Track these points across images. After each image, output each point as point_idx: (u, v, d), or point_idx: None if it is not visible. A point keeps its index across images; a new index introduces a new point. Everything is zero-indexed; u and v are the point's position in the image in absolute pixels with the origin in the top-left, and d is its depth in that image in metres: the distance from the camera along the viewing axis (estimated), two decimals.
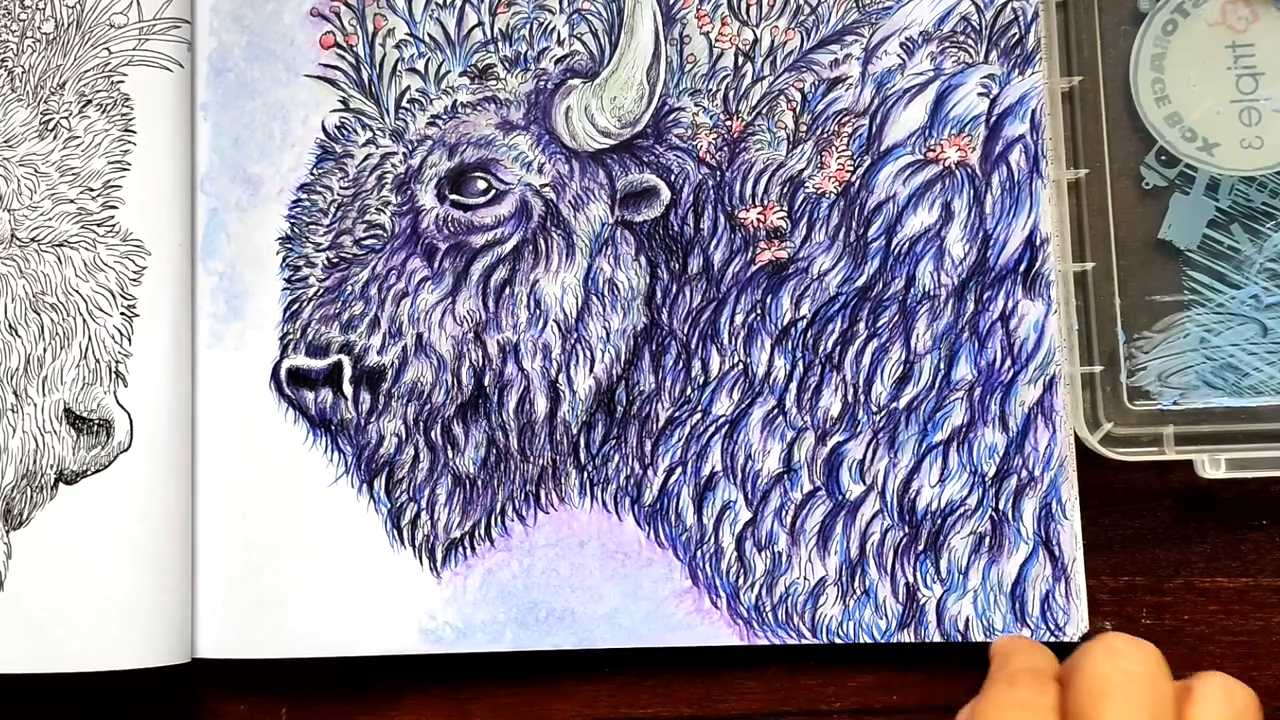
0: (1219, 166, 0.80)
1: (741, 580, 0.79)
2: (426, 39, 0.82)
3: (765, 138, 0.81)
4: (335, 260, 0.82)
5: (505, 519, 0.81)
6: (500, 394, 0.81)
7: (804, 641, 0.79)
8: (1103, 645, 0.63)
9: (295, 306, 0.81)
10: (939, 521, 0.79)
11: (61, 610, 0.78)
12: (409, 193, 0.82)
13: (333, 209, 0.82)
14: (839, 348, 0.80)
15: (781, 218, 0.80)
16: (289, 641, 0.80)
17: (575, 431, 0.81)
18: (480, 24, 0.82)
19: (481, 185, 0.81)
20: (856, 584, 0.79)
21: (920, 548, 0.79)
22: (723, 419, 0.80)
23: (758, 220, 0.80)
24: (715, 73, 0.81)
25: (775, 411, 0.80)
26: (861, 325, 0.80)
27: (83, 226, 0.80)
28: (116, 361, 0.79)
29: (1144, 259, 0.80)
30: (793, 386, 0.80)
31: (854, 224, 0.80)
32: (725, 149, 0.81)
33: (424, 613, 0.80)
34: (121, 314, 0.80)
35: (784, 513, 0.80)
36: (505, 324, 0.81)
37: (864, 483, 0.79)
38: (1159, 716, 0.60)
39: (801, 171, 0.80)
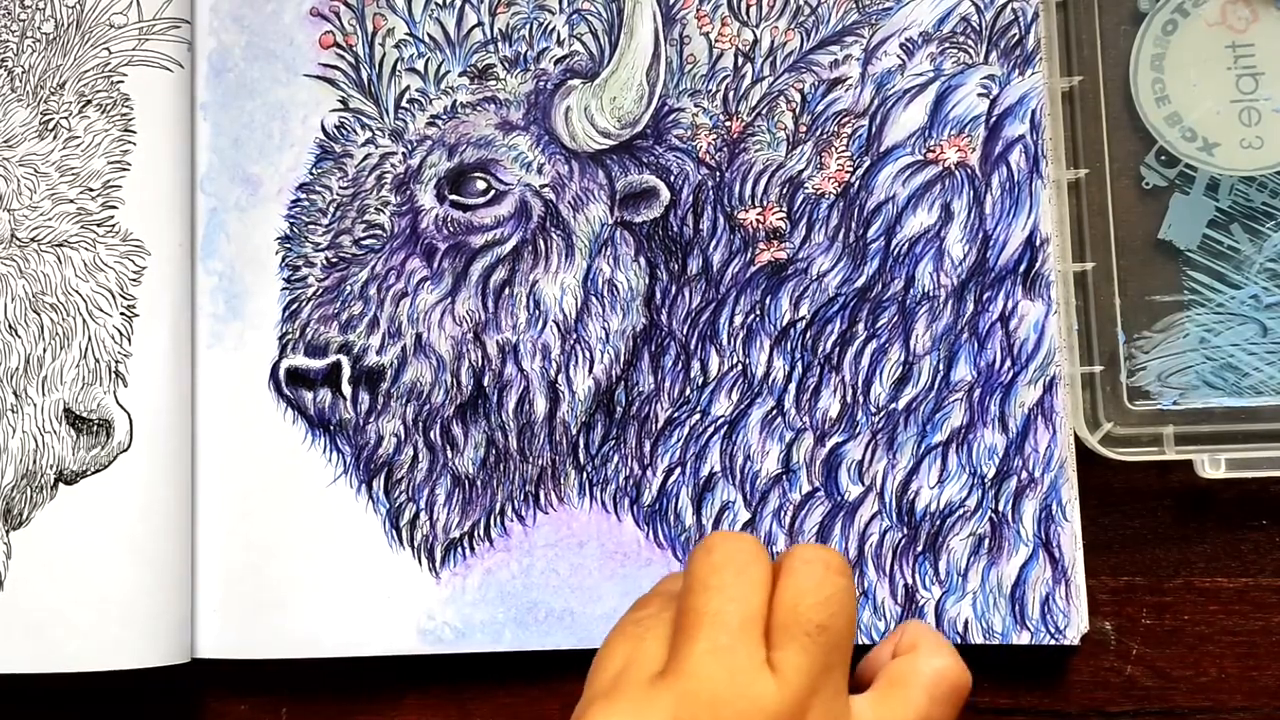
0: (1219, 166, 0.80)
1: None
2: (426, 39, 0.82)
3: (765, 138, 0.81)
4: (334, 260, 0.82)
5: (504, 519, 0.81)
6: (499, 394, 0.81)
7: None
8: (701, 545, 0.64)
9: (294, 306, 0.82)
10: (938, 523, 0.79)
11: (61, 610, 0.78)
12: (408, 193, 0.81)
13: (332, 209, 0.82)
14: (838, 348, 0.80)
15: (781, 218, 0.80)
16: (288, 641, 0.80)
17: (574, 432, 0.81)
18: (480, 24, 0.82)
19: (481, 185, 0.81)
20: (855, 585, 0.79)
21: (919, 549, 0.79)
22: (722, 420, 0.80)
23: (757, 221, 0.80)
24: (715, 73, 0.81)
25: (774, 412, 0.80)
26: (861, 326, 0.80)
27: (83, 226, 0.80)
28: (116, 361, 0.79)
29: (1144, 259, 0.80)
30: (792, 387, 0.80)
31: (853, 225, 0.80)
32: (725, 150, 0.81)
33: (423, 613, 0.80)
34: (121, 314, 0.80)
35: (783, 513, 0.80)
36: (505, 324, 0.81)
37: (863, 484, 0.79)
38: (749, 595, 0.60)
39: (801, 172, 0.80)
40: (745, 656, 0.59)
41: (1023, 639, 0.78)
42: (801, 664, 0.59)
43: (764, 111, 0.81)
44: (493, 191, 0.81)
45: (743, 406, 0.80)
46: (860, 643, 0.78)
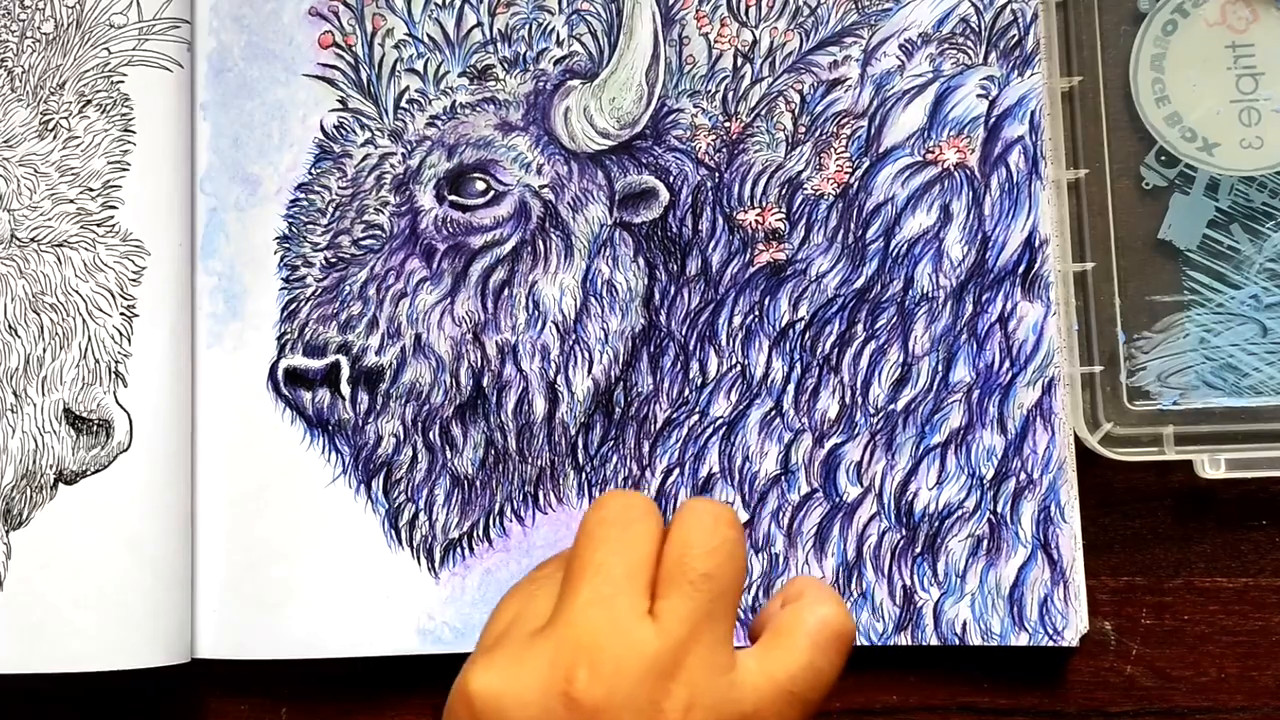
0: (1219, 166, 0.80)
1: None
2: (425, 39, 0.82)
3: (764, 139, 0.81)
4: (333, 260, 0.82)
5: (504, 519, 0.81)
6: (499, 395, 0.81)
7: None
8: (593, 503, 0.64)
9: (293, 306, 0.82)
10: (937, 524, 0.79)
11: (61, 610, 0.78)
12: (408, 193, 0.81)
13: (331, 209, 0.82)
14: (837, 349, 0.80)
15: (780, 219, 0.80)
16: (288, 641, 0.80)
17: (573, 432, 0.81)
18: (479, 24, 0.82)
19: (480, 186, 0.81)
20: (854, 586, 0.79)
21: (918, 550, 0.79)
22: (720, 420, 0.80)
23: (756, 222, 0.80)
24: (714, 74, 0.81)
25: (773, 413, 0.80)
26: (860, 327, 0.80)
27: (82, 226, 0.80)
28: (116, 361, 0.79)
29: (1144, 259, 0.80)
30: (790, 388, 0.80)
31: (852, 225, 0.80)
32: (724, 150, 0.81)
33: (422, 613, 0.80)
34: (121, 314, 0.80)
35: (781, 514, 0.79)
36: (504, 325, 0.81)
37: (861, 485, 0.79)
38: (634, 547, 0.61)
39: (800, 173, 0.80)
40: (627, 606, 0.60)
41: (1021, 640, 0.78)
42: (683, 611, 0.60)
43: (763, 112, 0.81)
44: (492, 192, 0.81)
45: (741, 407, 0.80)
46: (860, 643, 0.79)
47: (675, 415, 0.80)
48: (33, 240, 0.80)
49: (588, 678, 0.58)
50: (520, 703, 0.58)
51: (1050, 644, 0.77)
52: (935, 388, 0.79)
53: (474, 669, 0.60)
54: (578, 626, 0.59)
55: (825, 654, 0.61)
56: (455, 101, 0.82)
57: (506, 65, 0.82)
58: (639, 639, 0.59)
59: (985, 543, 0.78)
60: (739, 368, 0.80)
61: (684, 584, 0.60)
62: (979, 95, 0.80)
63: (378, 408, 0.81)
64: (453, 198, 0.81)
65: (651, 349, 0.81)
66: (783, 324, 0.80)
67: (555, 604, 0.61)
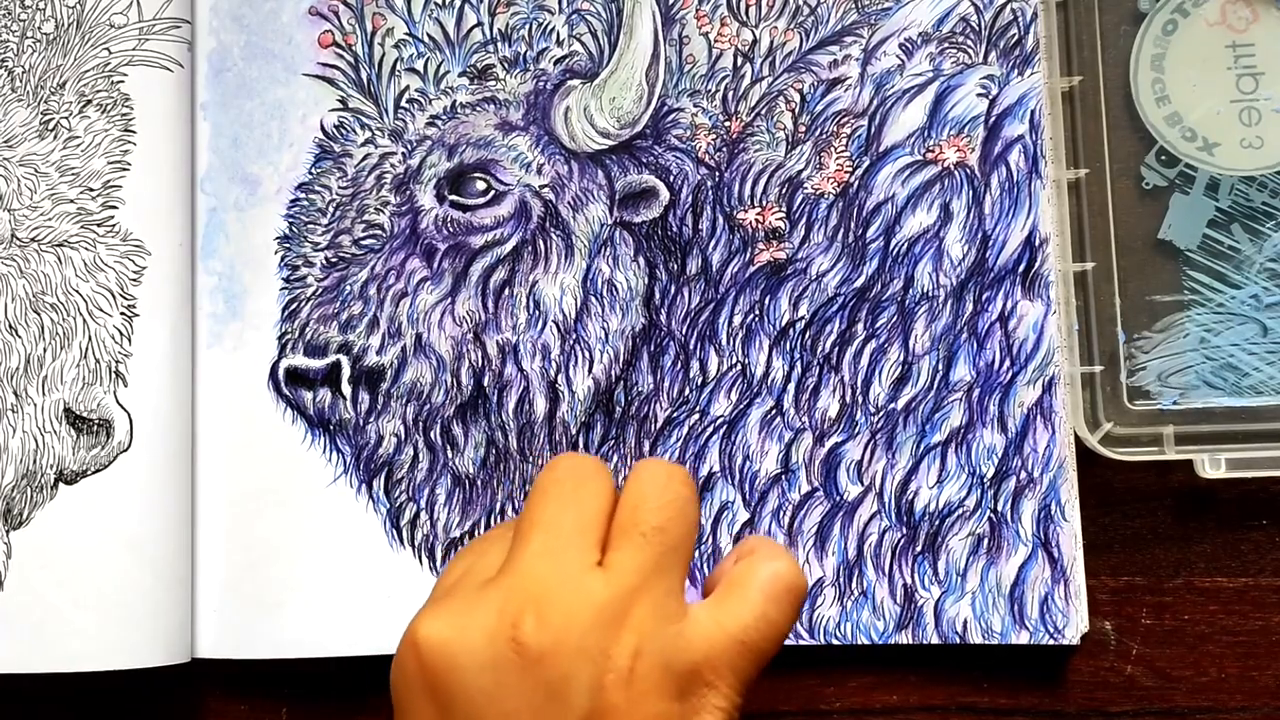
0: (1219, 166, 0.80)
1: None
2: (425, 39, 0.82)
3: (764, 138, 0.81)
4: (334, 260, 0.82)
5: (504, 519, 0.81)
6: (499, 394, 0.81)
7: (801, 643, 0.79)
8: (547, 464, 0.65)
9: (293, 306, 0.82)
10: (937, 523, 0.79)
11: (61, 610, 0.78)
12: (408, 193, 0.82)
13: (331, 208, 0.82)
14: (837, 348, 0.80)
15: (780, 218, 0.80)
16: (288, 641, 0.80)
17: (574, 432, 0.81)
18: (479, 24, 0.82)
19: (481, 186, 0.81)
20: (854, 585, 0.79)
21: (918, 549, 0.79)
22: (721, 419, 0.80)
23: (756, 221, 0.80)
24: (714, 73, 0.81)
25: (773, 412, 0.80)
26: (860, 326, 0.80)
27: (83, 226, 0.80)
28: (116, 361, 0.79)
29: (1144, 259, 0.80)
30: (791, 387, 0.80)
31: (853, 225, 0.80)
32: (724, 150, 0.81)
33: None
34: (121, 314, 0.80)
35: (782, 513, 0.80)
36: (504, 325, 0.81)
37: (862, 484, 0.79)
38: (586, 503, 0.62)
39: (800, 172, 0.80)
40: (575, 557, 0.61)
41: (1021, 639, 0.78)
42: (633, 561, 0.61)
43: (763, 112, 0.81)
44: (492, 192, 0.81)
45: (742, 406, 0.80)
46: (860, 642, 0.79)
47: (676, 414, 0.80)
48: (33, 240, 0.80)
49: (535, 624, 0.59)
50: (468, 649, 0.59)
51: (1051, 642, 0.77)
52: (935, 387, 0.79)
53: (422, 618, 0.60)
54: (526, 576, 0.60)
55: (778, 605, 0.62)
56: (455, 101, 0.82)
57: (506, 65, 0.82)
58: (587, 588, 0.59)
59: (986, 541, 0.78)
60: (739, 367, 0.80)
61: (635, 535, 0.61)
62: (979, 94, 0.80)
63: (379, 407, 0.81)
64: (453, 197, 0.81)
65: (652, 348, 0.81)
66: (783, 323, 0.80)
67: (506, 558, 0.61)
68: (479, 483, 0.81)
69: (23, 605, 0.78)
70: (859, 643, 0.79)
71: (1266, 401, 0.79)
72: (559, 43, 0.82)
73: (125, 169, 0.80)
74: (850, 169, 0.80)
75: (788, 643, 0.78)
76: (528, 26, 0.82)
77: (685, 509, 0.63)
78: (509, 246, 0.81)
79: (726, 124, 0.81)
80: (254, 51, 0.83)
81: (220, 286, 0.82)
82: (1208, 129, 0.81)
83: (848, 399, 0.80)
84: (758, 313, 0.80)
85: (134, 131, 0.81)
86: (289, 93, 0.83)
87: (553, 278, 0.81)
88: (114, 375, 0.79)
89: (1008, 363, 0.79)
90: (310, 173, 0.82)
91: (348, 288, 0.81)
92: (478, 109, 0.82)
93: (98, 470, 0.79)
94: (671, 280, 0.81)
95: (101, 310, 0.79)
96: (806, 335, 0.80)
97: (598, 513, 0.62)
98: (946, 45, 0.80)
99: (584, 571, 0.60)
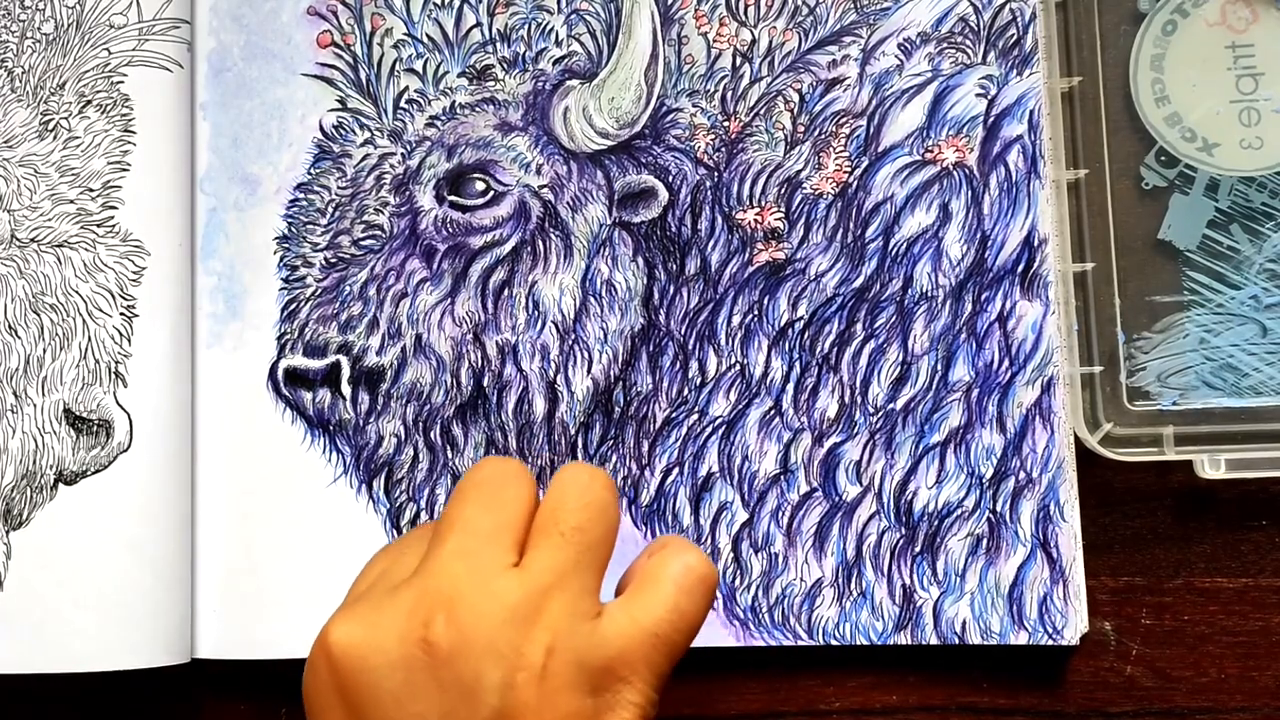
0: (1219, 167, 0.80)
1: (738, 581, 0.79)
2: (425, 39, 0.82)
3: (763, 138, 0.81)
4: (333, 260, 0.82)
5: None
6: (499, 395, 0.81)
7: (800, 643, 0.79)
8: (469, 469, 0.65)
9: (293, 306, 0.82)
10: (936, 523, 0.79)
11: (61, 610, 0.78)
12: (407, 193, 0.82)
13: (330, 209, 0.82)
14: (836, 349, 0.80)
15: (779, 218, 0.80)
16: (289, 642, 0.80)
17: (573, 432, 0.81)
18: (478, 24, 0.82)
19: (480, 186, 0.81)
20: (853, 585, 0.79)
21: (917, 549, 0.79)
22: (720, 420, 0.80)
23: (755, 221, 0.80)
24: (713, 73, 0.81)
25: (772, 412, 0.80)
26: (859, 326, 0.80)
27: (82, 227, 0.80)
28: (116, 362, 0.79)
29: (1144, 259, 0.80)
30: (790, 387, 0.80)
31: (851, 225, 0.80)
32: (723, 150, 0.81)
33: None
34: (121, 314, 0.80)
35: (780, 514, 0.80)
36: (504, 325, 0.81)
37: (861, 484, 0.79)
38: (504, 506, 0.62)
39: (799, 172, 0.80)
40: (490, 558, 0.61)
41: (1020, 639, 0.78)
42: (549, 560, 0.61)
43: (762, 112, 0.81)
44: (492, 192, 0.81)
45: (741, 406, 0.80)
46: (859, 642, 0.79)
47: (674, 414, 0.80)
48: (33, 240, 0.80)
49: (445, 623, 0.59)
50: (378, 649, 0.59)
51: (1050, 643, 0.77)
52: (934, 387, 0.79)
53: (334, 621, 0.61)
54: (439, 577, 0.60)
55: (690, 597, 0.62)
56: (455, 101, 0.82)
57: (506, 65, 0.82)
58: (500, 587, 0.59)
59: (985, 542, 0.78)
60: (738, 367, 0.80)
61: (554, 535, 0.61)
62: (978, 94, 0.80)
63: (378, 408, 0.81)
64: (452, 198, 0.81)
65: (651, 348, 0.81)
66: (782, 323, 0.80)
67: (421, 560, 0.62)
68: None
69: (23, 605, 0.78)
70: (858, 643, 0.79)
71: (1266, 402, 0.79)
72: (558, 43, 0.82)
73: (125, 169, 0.81)
74: (849, 169, 0.80)
75: (786, 643, 0.79)
76: (527, 27, 0.82)
77: (606, 510, 0.63)
78: (508, 247, 0.81)
79: (725, 124, 0.81)
80: (253, 51, 0.83)
81: (220, 286, 0.82)
82: (1207, 129, 0.81)
83: (847, 399, 0.80)
84: (757, 313, 0.80)
85: (134, 132, 0.81)
86: (288, 93, 0.83)
87: (552, 278, 0.81)
88: (114, 376, 0.79)
89: (1007, 363, 0.79)
90: (309, 173, 0.82)
91: (347, 288, 0.81)
92: (477, 109, 0.82)
93: (98, 470, 0.79)
94: (670, 280, 0.81)
95: (101, 310, 0.79)
96: (805, 335, 0.80)
97: (517, 515, 0.63)
98: (945, 45, 0.80)
99: (498, 571, 0.60)
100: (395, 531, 0.81)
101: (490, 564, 0.61)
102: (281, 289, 0.82)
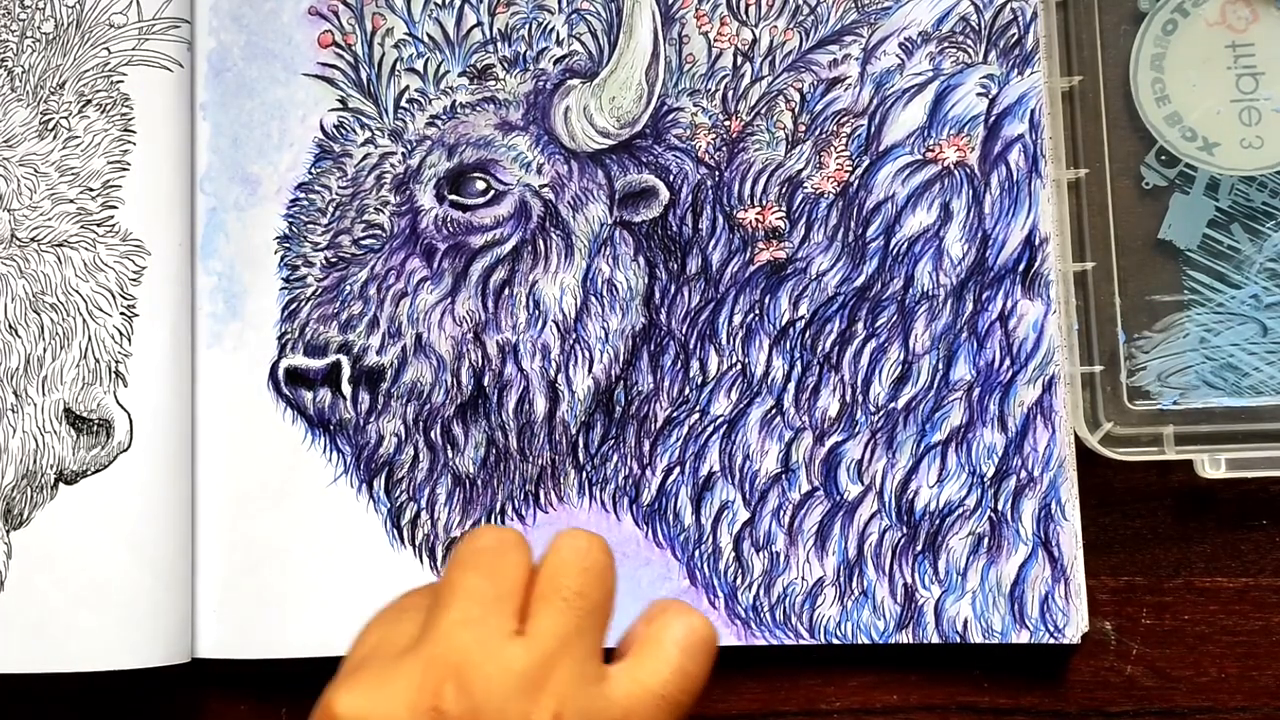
0: (1219, 166, 0.80)
1: (739, 580, 0.79)
2: (425, 39, 0.82)
3: (764, 138, 0.81)
4: (333, 260, 0.82)
5: (505, 518, 0.81)
6: (499, 394, 0.81)
7: (801, 642, 0.79)
8: (467, 534, 0.65)
9: (293, 306, 0.82)
10: (937, 522, 0.79)
11: (61, 610, 0.78)
12: (408, 193, 0.82)
13: (331, 208, 0.82)
14: (837, 348, 0.80)
15: (780, 218, 0.80)
16: (289, 641, 0.80)
17: (574, 431, 0.81)
18: (479, 24, 0.82)
19: (480, 186, 0.81)
20: (854, 584, 0.79)
21: (918, 548, 0.79)
22: (721, 419, 0.80)
23: (756, 220, 0.80)
24: (714, 73, 0.81)
25: (773, 411, 0.80)
26: (860, 325, 0.80)
27: (83, 226, 0.80)
28: (116, 361, 0.79)
29: (1144, 259, 0.80)
30: (791, 386, 0.80)
31: (852, 224, 0.80)
32: (724, 149, 0.81)
33: None
34: (121, 314, 0.80)
35: (782, 513, 0.79)
36: (504, 324, 0.81)
37: (862, 483, 0.79)
38: (506, 574, 0.61)
39: (800, 171, 0.80)
40: (495, 626, 0.60)
41: (1022, 638, 0.78)
42: (553, 626, 0.60)
43: (763, 111, 0.81)
44: (492, 192, 0.81)
45: (742, 406, 0.80)
46: (860, 641, 0.79)
47: (676, 414, 0.80)
48: (33, 240, 0.80)
49: (455, 693, 0.58)
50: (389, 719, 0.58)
51: (1051, 641, 0.77)
52: (936, 386, 0.79)
53: (338, 691, 0.59)
54: (446, 645, 0.59)
55: (694, 659, 0.62)
56: (455, 101, 0.82)
57: (506, 65, 0.82)
58: (507, 656, 0.59)
59: (986, 540, 0.78)
60: (739, 366, 0.80)
61: (556, 600, 0.61)
62: (979, 94, 0.80)
63: (379, 407, 0.81)
64: (453, 197, 0.81)
65: (652, 348, 0.81)
66: (783, 322, 0.80)
67: (423, 627, 0.61)
68: (479, 482, 0.81)
69: (23, 605, 0.78)
70: (859, 642, 0.79)
71: (1266, 401, 0.79)
72: (559, 42, 0.82)
73: (125, 169, 0.80)
74: (850, 168, 0.80)
75: (787, 642, 0.79)
76: (527, 26, 0.82)
77: (604, 575, 0.63)
78: (509, 246, 0.81)
79: (726, 123, 0.81)
80: (254, 51, 0.83)
81: (220, 286, 0.82)
82: (1208, 129, 0.81)
83: (848, 398, 0.80)
84: (758, 312, 0.80)
85: (134, 131, 0.81)
86: (289, 93, 0.83)
87: (552, 277, 0.81)
88: (114, 375, 0.79)
89: (1008, 362, 0.79)
90: (310, 173, 0.82)
91: (348, 288, 0.81)
92: (477, 109, 0.82)
93: (98, 470, 0.79)
94: (671, 280, 0.81)
95: (101, 310, 0.79)
96: (806, 335, 0.80)
97: (517, 582, 0.62)
98: (946, 45, 0.80)
99: (504, 639, 0.60)
100: (395, 531, 0.81)
101: (496, 632, 0.60)
102: (282, 289, 0.82)
